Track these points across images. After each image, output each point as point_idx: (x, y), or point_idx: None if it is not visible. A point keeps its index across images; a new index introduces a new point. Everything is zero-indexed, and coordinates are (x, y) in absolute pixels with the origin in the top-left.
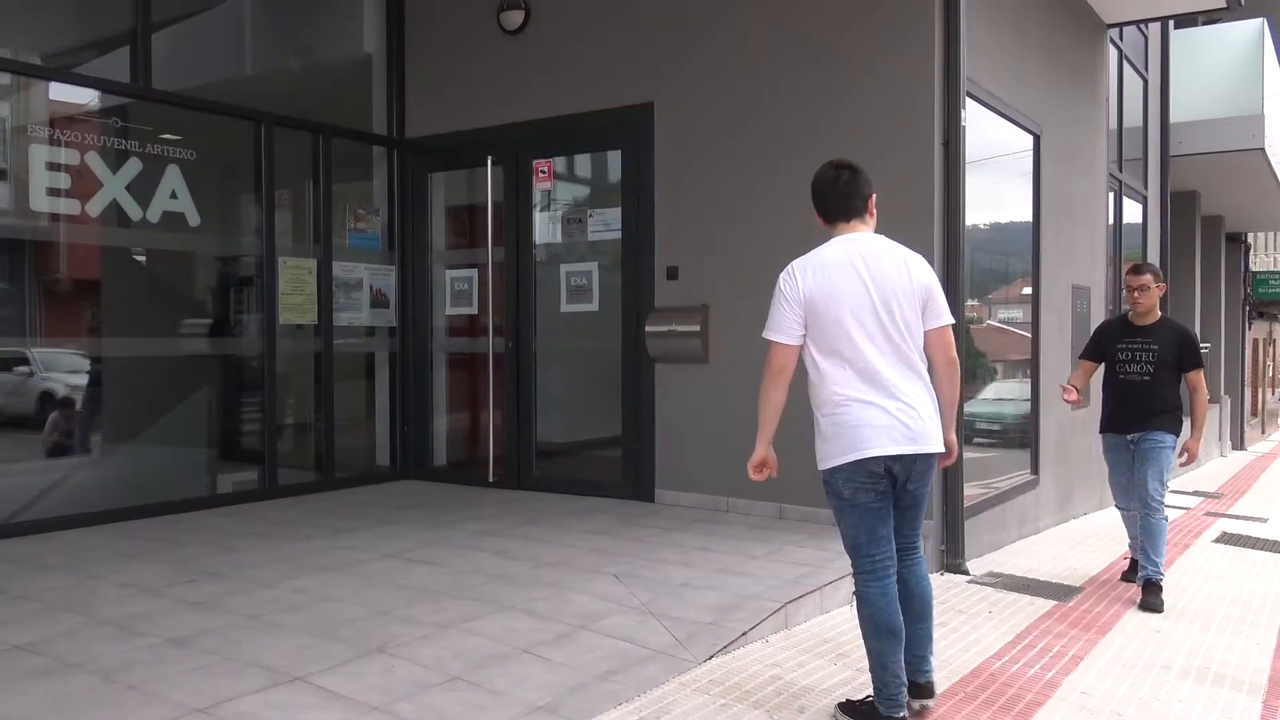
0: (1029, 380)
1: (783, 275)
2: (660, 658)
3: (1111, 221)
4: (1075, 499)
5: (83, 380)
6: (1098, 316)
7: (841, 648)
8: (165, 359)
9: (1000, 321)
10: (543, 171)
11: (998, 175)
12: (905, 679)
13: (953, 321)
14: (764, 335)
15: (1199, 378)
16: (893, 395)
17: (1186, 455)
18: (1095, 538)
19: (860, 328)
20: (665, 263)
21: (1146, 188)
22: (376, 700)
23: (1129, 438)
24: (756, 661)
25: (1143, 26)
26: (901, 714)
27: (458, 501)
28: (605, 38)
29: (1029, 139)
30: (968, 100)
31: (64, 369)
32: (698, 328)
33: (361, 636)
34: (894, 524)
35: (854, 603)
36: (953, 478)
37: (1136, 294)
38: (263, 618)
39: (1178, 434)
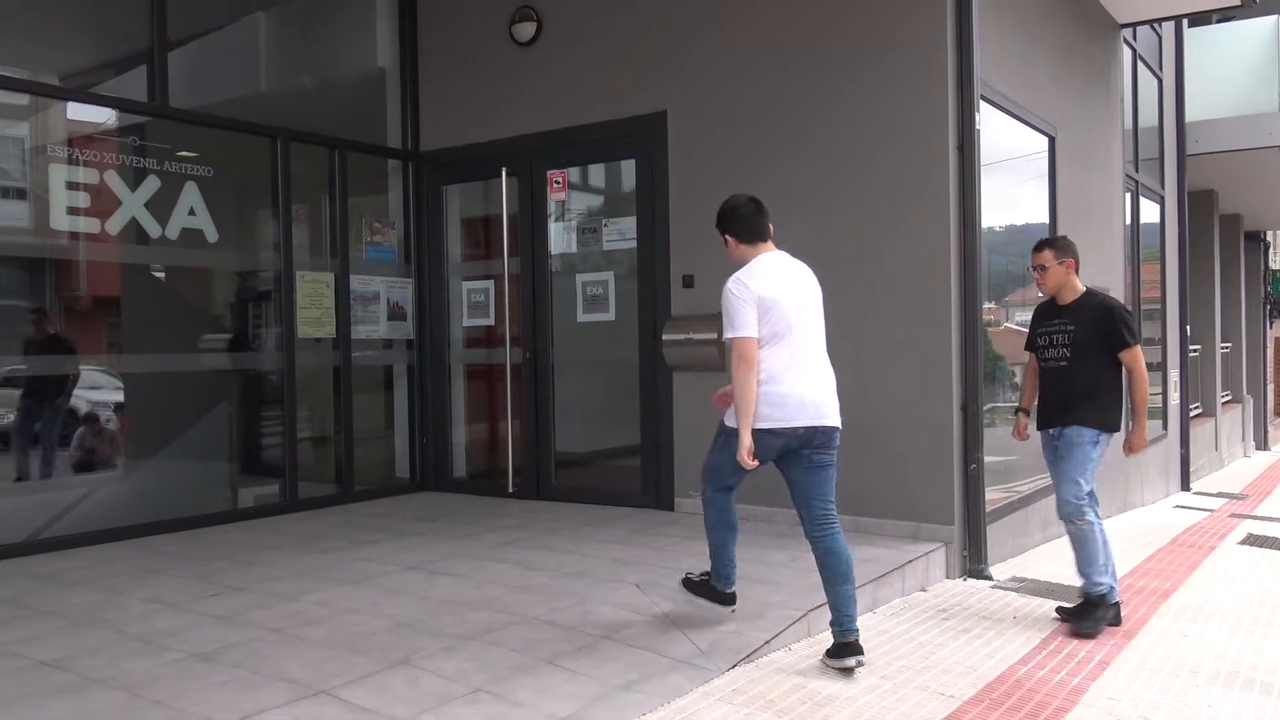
0: None
1: (733, 284)
2: (683, 667)
3: (1129, 222)
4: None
5: (105, 396)
6: None
7: (865, 654)
8: (186, 374)
9: (1017, 324)
10: (557, 182)
11: (1013, 177)
12: (736, 563)
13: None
14: (732, 335)
15: (1133, 356)
16: (814, 377)
17: (1127, 449)
18: (1119, 540)
19: (795, 322)
20: (681, 271)
21: (1163, 187)
22: (401, 713)
23: (1050, 433)
24: (780, 670)
25: (1156, 26)
26: (731, 589)
27: (478, 512)
28: (617, 48)
29: (1044, 140)
30: (981, 103)
31: (86, 385)
32: (714, 335)
33: (384, 649)
34: (805, 494)
35: (709, 510)
36: (974, 482)
37: (1037, 274)
38: (286, 631)
39: (1101, 427)
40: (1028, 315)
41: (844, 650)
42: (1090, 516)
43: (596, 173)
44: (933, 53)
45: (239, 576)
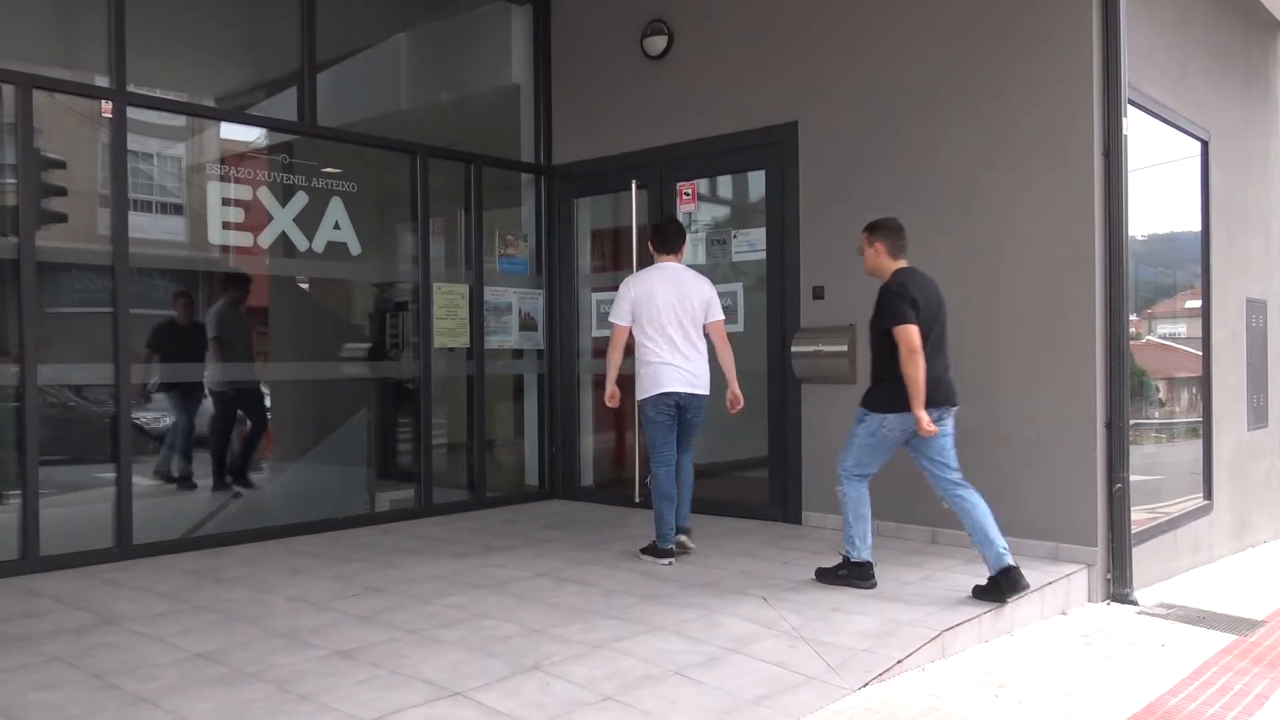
0: (1199, 399)
1: (623, 284)
2: (813, 684)
3: None
4: (1254, 525)
5: (254, 403)
6: (1276, 331)
7: (1003, 679)
8: (328, 382)
9: (1160, 337)
10: (686, 194)
11: (1161, 183)
12: (674, 526)
13: (722, 318)
14: (609, 319)
15: (896, 336)
16: (686, 358)
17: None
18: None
19: (668, 317)
20: (811, 282)
21: None
22: (534, 718)
23: None
24: (913, 691)
25: None
26: (670, 545)
27: (604, 521)
28: (747, 58)
29: (1196, 145)
30: (1129, 108)
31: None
32: (844, 347)
33: (517, 654)
34: (676, 436)
35: (653, 481)
36: (1119, 502)
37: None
38: (423, 633)
39: (880, 409)
40: (1174, 328)
41: (680, 531)
42: (844, 487)
43: (725, 184)
44: (1077, 56)
45: (377, 578)
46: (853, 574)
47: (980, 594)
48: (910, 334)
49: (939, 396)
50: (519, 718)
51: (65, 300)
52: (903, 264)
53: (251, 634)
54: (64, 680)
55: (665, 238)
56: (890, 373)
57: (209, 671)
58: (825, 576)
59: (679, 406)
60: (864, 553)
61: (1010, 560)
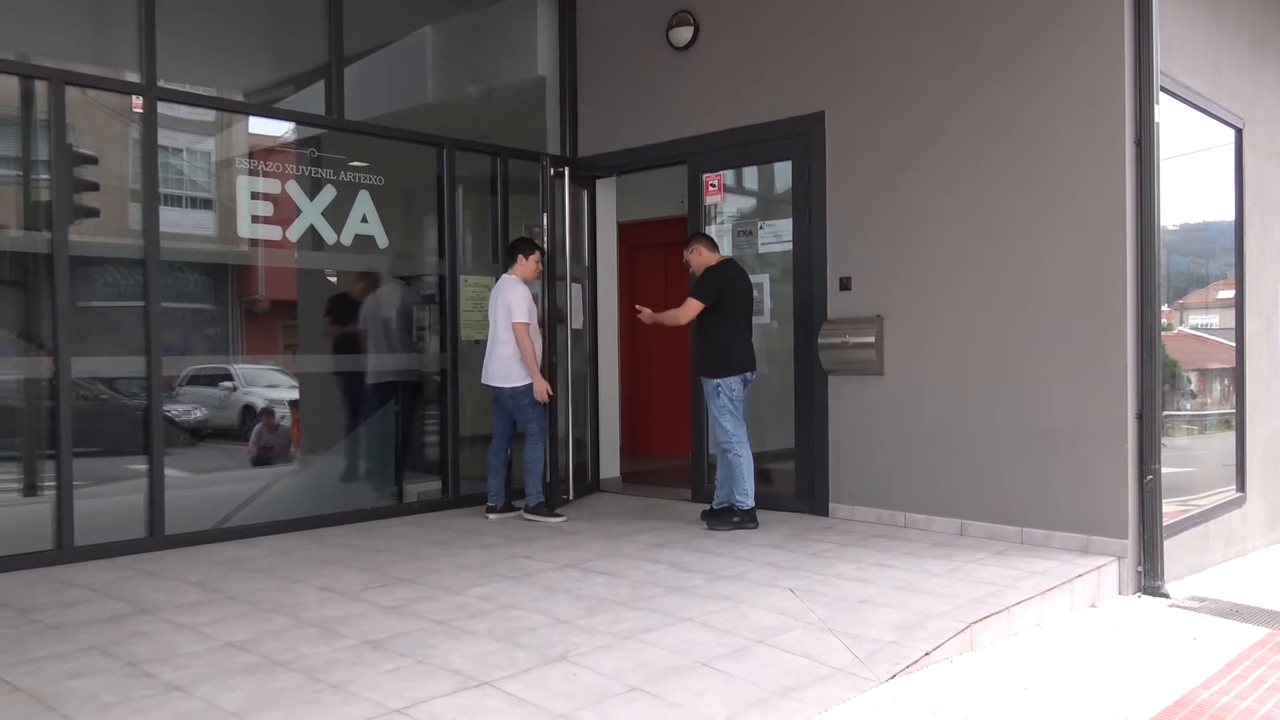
0: (1232, 390)
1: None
2: (841, 675)
3: None
4: None
5: (281, 395)
6: None
7: (1032, 672)
8: (355, 374)
9: (1191, 328)
10: (712, 185)
11: (1194, 172)
12: (494, 489)
13: (517, 320)
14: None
15: (688, 304)
16: (491, 355)
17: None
18: None
19: (492, 319)
20: (838, 273)
21: None
22: (560, 708)
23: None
24: (941, 684)
25: None
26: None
27: (631, 513)
28: (774, 49)
29: (1229, 132)
30: (1161, 95)
31: (263, 384)
32: (872, 339)
33: (544, 644)
34: (501, 419)
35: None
36: (1150, 494)
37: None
38: (450, 623)
39: (716, 375)
40: (1206, 318)
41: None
42: (736, 451)
43: (751, 175)
44: (1109, 44)
45: (405, 569)
46: (744, 520)
47: (708, 515)
48: (692, 308)
49: (749, 364)
50: (546, 708)
51: (98, 294)
52: (719, 258)
53: (282, 623)
54: (98, 668)
55: (508, 252)
56: (713, 341)
57: (240, 660)
58: (718, 525)
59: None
60: (751, 501)
61: (748, 505)
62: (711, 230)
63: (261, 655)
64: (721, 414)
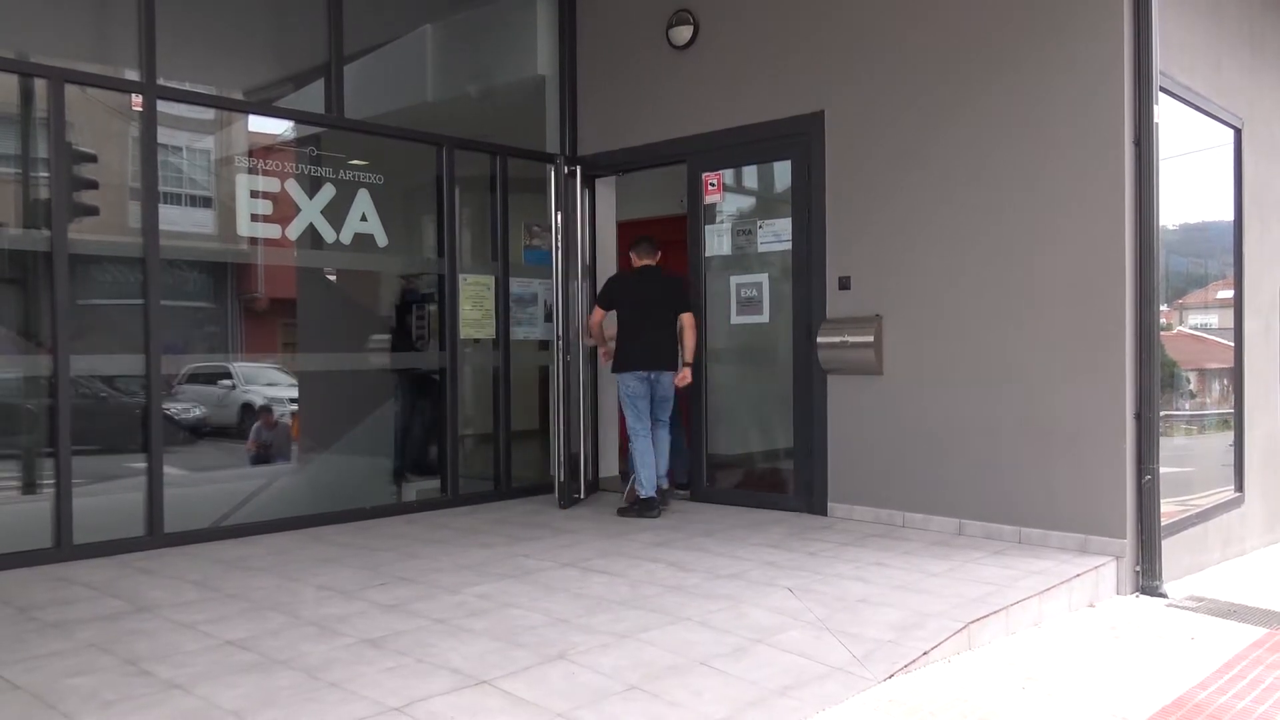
0: (1230, 390)
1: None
2: (838, 674)
3: None
4: None
5: (280, 393)
6: None
7: (1030, 671)
8: (354, 373)
9: (1191, 328)
10: (712, 184)
11: (1193, 172)
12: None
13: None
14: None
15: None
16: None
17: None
18: None
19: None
20: (837, 273)
21: None
22: (559, 706)
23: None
24: (939, 683)
25: None
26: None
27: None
28: (774, 48)
29: (1229, 133)
30: (1160, 95)
31: (263, 382)
32: (871, 338)
33: (543, 643)
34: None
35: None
36: (1149, 494)
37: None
38: (449, 622)
39: (615, 370)
40: (1205, 318)
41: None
42: (635, 442)
43: (750, 174)
44: (1108, 44)
45: (404, 567)
46: (644, 509)
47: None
48: (595, 313)
49: (644, 363)
50: (545, 706)
51: (97, 292)
52: (640, 264)
53: (281, 622)
54: (98, 666)
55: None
56: (617, 340)
57: (239, 658)
58: (624, 512)
59: None
60: (650, 491)
61: (644, 494)
62: (711, 230)
63: (260, 653)
64: (624, 406)
